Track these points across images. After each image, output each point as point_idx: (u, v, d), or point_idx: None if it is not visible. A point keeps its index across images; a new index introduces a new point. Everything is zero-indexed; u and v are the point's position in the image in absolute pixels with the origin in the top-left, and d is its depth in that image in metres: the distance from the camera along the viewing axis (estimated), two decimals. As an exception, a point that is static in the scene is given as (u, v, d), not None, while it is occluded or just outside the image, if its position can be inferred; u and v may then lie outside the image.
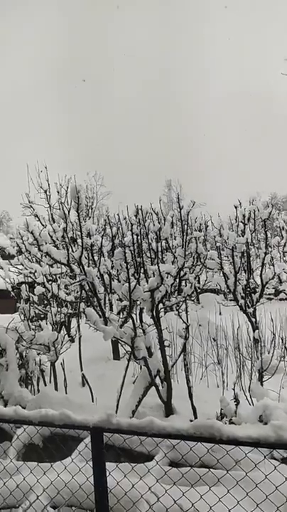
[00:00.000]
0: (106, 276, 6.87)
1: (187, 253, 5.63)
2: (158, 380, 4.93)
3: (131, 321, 4.96)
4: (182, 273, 5.53)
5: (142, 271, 5.32)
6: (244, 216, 7.38)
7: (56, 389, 5.46)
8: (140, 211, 6.16)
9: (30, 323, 5.95)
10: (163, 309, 5.68)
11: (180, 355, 5.11)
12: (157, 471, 2.32)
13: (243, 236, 6.78)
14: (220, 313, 8.73)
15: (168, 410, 4.73)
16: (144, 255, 5.83)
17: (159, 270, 4.71)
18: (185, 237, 5.54)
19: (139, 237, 5.46)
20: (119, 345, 6.40)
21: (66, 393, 5.30)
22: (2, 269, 7.81)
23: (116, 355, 6.74)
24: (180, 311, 5.44)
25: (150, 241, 6.12)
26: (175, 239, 7.32)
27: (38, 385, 5.60)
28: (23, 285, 7.36)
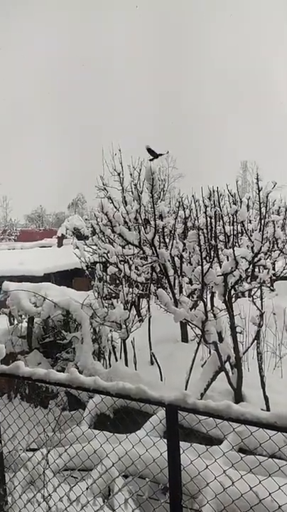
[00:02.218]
0: (176, 258, 6.85)
1: (263, 237, 5.35)
2: (227, 366, 4.84)
3: (202, 304, 4.90)
4: (257, 258, 5.29)
5: (215, 254, 5.18)
6: None
7: (126, 365, 5.66)
8: (215, 193, 5.97)
9: (103, 301, 6.21)
10: (235, 294, 5.51)
11: (252, 343, 4.94)
12: (230, 455, 2.28)
13: None
14: (296, 303, 8.23)
15: (238, 397, 4.63)
16: (217, 239, 5.66)
17: (234, 254, 4.55)
18: (262, 220, 5.26)
19: (213, 220, 5.30)
20: (188, 327, 6.40)
21: (136, 369, 5.47)
22: (78, 248, 8.21)
23: (185, 338, 6.76)
24: (255, 297, 5.22)
25: (224, 224, 5.92)
26: (250, 222, 7.00)
27: (109, 359, 5.86)
28: (97, 265, 7.67)
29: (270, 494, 1.83)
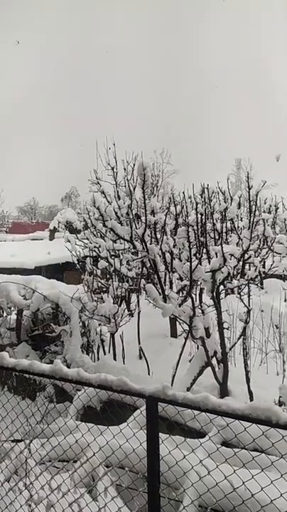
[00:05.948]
0: (167, 254, 6.88)
1: (253, 235, 5.40)
2: (214, 361, 4.89)
3: (190, 300, 4.94)
4: (246, 256, 5.35)
5: (204, 251, 5.23)
6: None
7: (115, 359, 5.70)
8: (206, 190, 6.00)
9: (93, 295, 6.23)
10: (223, 291, 5.57)
11: (239, 339, 5.00)
12: (209, 447, 2.33)
13: None
14: (285, 300, 8.36)
15: (223, 392, 4.69)
16: (208, 235, 5.70)
17: (222, 251, 4.59)
18: (252, 218, 5.31)
19: (204, 217, 5.34)
20: (177, 323, 6.45)
21: (124, 363, 5.51)
22: (69, 242, 8.20)
23: (174, 333, 6.81)
24: (242, 294, 5.28)
25: (215, 221, 5.96)
26: (241, 220, 7.05)
27: (98, 353, 5.90)
28: (88, 258, 7.68)
29: (243, 483, 1.88)
